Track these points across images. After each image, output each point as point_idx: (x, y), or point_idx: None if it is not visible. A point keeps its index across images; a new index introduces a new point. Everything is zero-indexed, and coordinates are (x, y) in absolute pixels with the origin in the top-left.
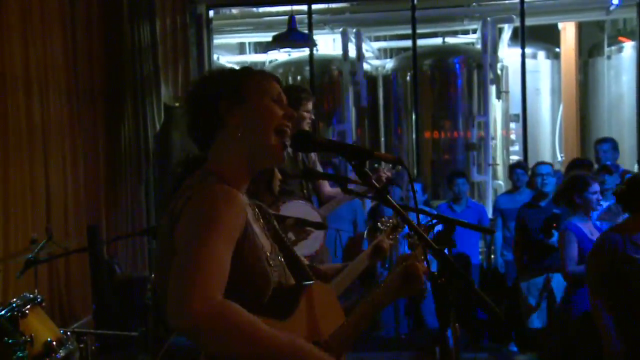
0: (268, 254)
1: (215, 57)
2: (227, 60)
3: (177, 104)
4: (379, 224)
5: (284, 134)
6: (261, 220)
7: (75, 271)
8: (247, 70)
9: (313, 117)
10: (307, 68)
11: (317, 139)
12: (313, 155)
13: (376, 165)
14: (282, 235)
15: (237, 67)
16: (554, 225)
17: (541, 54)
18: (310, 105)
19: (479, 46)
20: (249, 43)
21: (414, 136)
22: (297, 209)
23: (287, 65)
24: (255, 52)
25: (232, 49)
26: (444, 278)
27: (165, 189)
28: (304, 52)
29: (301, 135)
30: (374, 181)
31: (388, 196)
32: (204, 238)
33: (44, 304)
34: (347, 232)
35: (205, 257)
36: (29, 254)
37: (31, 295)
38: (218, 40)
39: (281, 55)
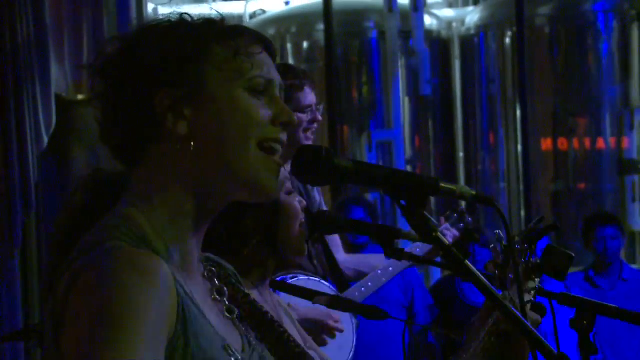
0: (235, 353)
1: (150, 8)
2: (170, 13)
3: (80, 97)
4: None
5: (273, 152)
6: (224, 292)
7: None
8: (207, 27)
9: (320, 117)
10: (321, 26)
11: (338, 161)
12: (316, 193)
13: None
14: (264, 311)
15: (189, 18)
16: None
17: None
18: (310, 98)
19: None
20: None
21: (519, 148)
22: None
23: (283, 22)
24: None
25: None
26: None
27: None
28: None
29: (306, 153)
30: (440, 234)
31: (467, 263)
32: (105, 348)
33: None
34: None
35: None
36: None
37: None
38: None
39: (273, 4)
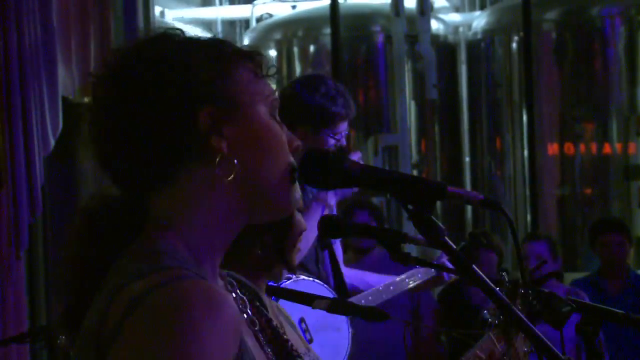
0: None
1: (157, 10)
2: (178, 16)
3: (87, 100)
4: (485, 312)
5: (292, 172)
6: (249, 312)
7: None
8: (232, 48)
9: (344, 142)
10: (327, 30)
11: (346, 165)
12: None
13: None
14: (285, 338)
15: (210, 38)
16: None
17: None
18: (345, 126)
19: None
20: None
21: (525, 153)
22: (312, 292)
23: (290, 25)
24: (232, 2)
25: None
26: None
27: (68, 264)
28: (321, 1)
29: (315, 156)
30: (447, 238)
31: (474, 268)
32: None
33: None
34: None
35: None
36: None
37: None
38: None
39: (279, 8)
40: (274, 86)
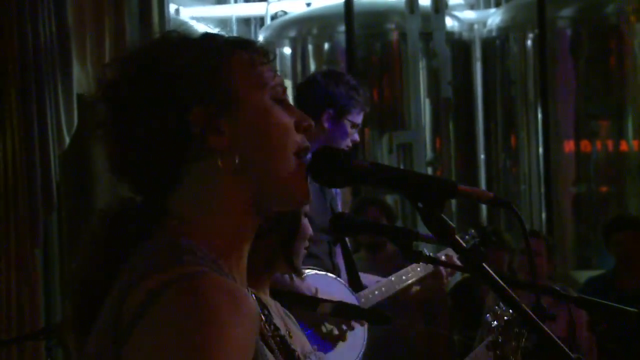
0: None
1: (172, 8)
2: (193, 14)
3: None
4: (487, 316)
5: (303, 156)
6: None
7: None
8: (223, 42)
9: (357, 138)
10: (342, 28)
11: (355, 163)
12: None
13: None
14: (292, 348)
15: (201, 34)
16: None
17: None
18: (360, 119)
19: None
20: None
21: (540, 151)
22: (325, 287)
23: (304, 23)
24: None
25: None
26: None
27: (81, 266)
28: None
29: (324, 155)
30: (457, 237)
31: (484, 266)
32: None
33: None
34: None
35: None
36: None
37: None
38: None
39: (294, 6)
40: (287, 82)
